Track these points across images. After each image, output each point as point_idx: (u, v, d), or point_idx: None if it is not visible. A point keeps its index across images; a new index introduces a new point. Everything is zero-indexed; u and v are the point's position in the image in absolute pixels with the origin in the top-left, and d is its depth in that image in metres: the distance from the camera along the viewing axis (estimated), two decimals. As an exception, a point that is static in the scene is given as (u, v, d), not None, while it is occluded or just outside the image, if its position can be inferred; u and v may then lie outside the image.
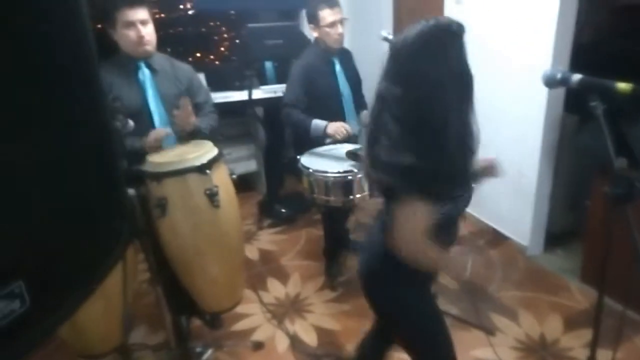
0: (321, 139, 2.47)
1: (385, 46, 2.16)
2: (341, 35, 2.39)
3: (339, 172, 2.12)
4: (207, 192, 1.92)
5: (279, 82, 3.52)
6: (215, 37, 4.85)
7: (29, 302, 0.53)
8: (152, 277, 1.84)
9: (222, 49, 4.81)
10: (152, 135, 2.00)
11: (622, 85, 1.01)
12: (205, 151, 1.95)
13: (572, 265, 2.74)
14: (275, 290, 2.80)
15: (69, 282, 0.59)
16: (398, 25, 3.83)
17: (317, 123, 2.46)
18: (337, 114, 2.54)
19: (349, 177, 2.11)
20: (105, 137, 0.72)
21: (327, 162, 2.23)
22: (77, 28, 0.66)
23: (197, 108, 2.27)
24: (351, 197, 2.15)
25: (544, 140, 2.63)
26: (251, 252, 3.23)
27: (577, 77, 1.07)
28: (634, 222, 1.04)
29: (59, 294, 0.57)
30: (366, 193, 2.16)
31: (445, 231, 1.20)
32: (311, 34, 2.57)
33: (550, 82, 1.08)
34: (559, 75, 1.07)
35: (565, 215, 2.96)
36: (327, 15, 2.35)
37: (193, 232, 1.87)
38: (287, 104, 2.59)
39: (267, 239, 3.45)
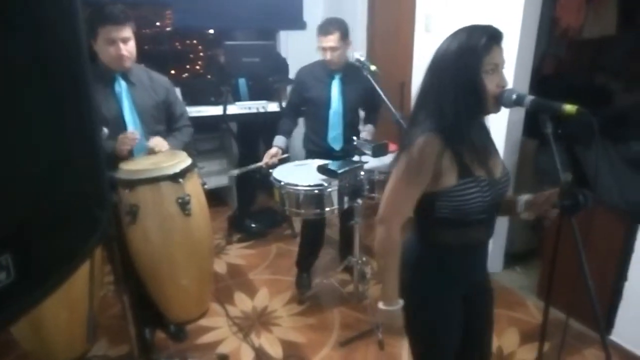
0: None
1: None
2: (332, 58, 2.49)
3: (309, 186, 2.18)
4: (179, 200, 1.95)
5: (252, 98, 3.59)
6: (191, 55, 4.90)
7: (14, 274, 0.56)
8: (119, 287, 1.83)
9: (197, 66, 4.86)
10: (123, 137, 1.99)
11: (568, 107, 1.12)
12: (179, 160, 1.98)
13: (529, 282, 2.88)
14: (242, 303, 2.80)
15: (53, 260, 0.62)
16: (371, 49, 4.00)
17: (275, 139, 2.69)
18: (323, 123, 2.66)
19: (320, 191, 2.18)
20: (88, 117, 0.76)
21: (299, 175, 2.29)
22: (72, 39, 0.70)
23: (173, 120, 2.30)
24: (321, 210, 2.21)
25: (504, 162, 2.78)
26: (219, 266, 3.23)
27: (529, 98, 1.18)
28: (579, 235, 1.13)
29: (43, 270, 0.60)
30: (336, 207, 2.22)
31: (456, 231, 1.25)
32: None
33: (507, 102, 1.18)
34: (514, 96, 1.17)
35: (526, 234, 3.11)
36: (320, 40, 2.50)
37: (164, 239, 1.89)
38: (283, 110, 2.88)
39: (236, 253, 3.45)
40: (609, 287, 2.30)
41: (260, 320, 2.64)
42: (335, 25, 2.45)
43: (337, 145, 2.68)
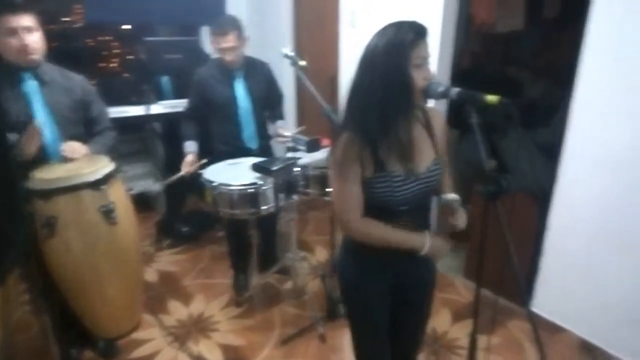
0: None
1: (287, 62, 2.30)
2: (232, 58, 2.43)
3: (243, 185, 2.14)
4: (102, 208, 1.82)
5: (177, 97, 3.44)
6: (106, 52, 4.59)
7: None
8: (37, 305, 1.67)
9: (114, 64, 4.56)
10: (26, 135, 1.78)
11: (490, 97, 1.19)
12: (100, 166, 1.85)
13: (457, 264, 3.05)
14: (177, 311, 2.68)
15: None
16: (298, 44, 3.99)
17: (185, 146, 2.64)
18: (234, 124, 2.58)
19: (255, 189, 2.14)
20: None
21: (232, 175, 2.23)
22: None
23: (92, 123, 2.13)
24: (257, 209, 2.17)
25: (429, 153, 2.92)
26: (150, 274, 3.07)
27: (455, 89, 1.24)
28: (504, 217, 1.21)
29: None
30: (272, 205, 2.20)
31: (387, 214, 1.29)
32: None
33: (434, 94, 1.23)
34: (440, 89, 1.23)
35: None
36: (217, 41, 2.42)
37: (88, 251, 1.75)
38: (184, 114, 2.73)
39: (167, 259, 3.30)
40: (528, 263, 2.50)
41: (197, 327, 2.55)
42: (230, 25, 2.38)
43: (253, 144, 2.64)
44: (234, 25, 2.40)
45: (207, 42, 3.97)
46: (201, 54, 3.64)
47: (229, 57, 2.43)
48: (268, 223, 2.76)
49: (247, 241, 2.81)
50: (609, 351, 2.27)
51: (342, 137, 1.23)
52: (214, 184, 2.17)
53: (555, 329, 2.44)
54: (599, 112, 2.11)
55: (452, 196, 1.37)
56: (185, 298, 2.81)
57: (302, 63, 2.27)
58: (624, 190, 2.08)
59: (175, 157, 3.54)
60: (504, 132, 2.36)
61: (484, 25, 3.26)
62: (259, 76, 2.57)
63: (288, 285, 2.88)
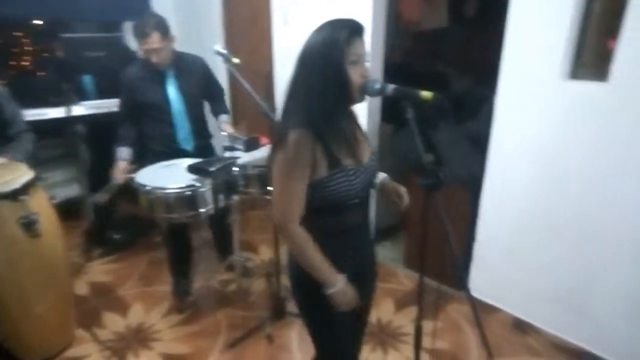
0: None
1: (219, 59, 2.24)
2: (159, 59, 2.33)
3: (180, 188, 2.05)
4: (23, 220, 1.67)
5: (101, 97, 3.23)
6: (15, 49, 4.19)
7: None
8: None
9: (25, 62, 4.18)
10: None
11: (425, 93, 1.23)
12: (18, 175, 1.69)
13: (397, 254, 3.15)
14: (114, 324, 2.53)
15: None
16: (230, 42, 3.90)
17: (117, 152, 2.50)
18: (167, 126, 2.47)
19: (193, 192, 2.06)
20: None
21: (167, 177, 2.13)
22: None
23: (5, 126, 1.94)
24: (196, 211, 2.10)
25: (366, 147, 2.99)
26: (80, 287, 2.87)
27: (392, 86, 1.27)
28: (442, 208, 1.26)
29: None
30: (211, 206, 2.13)
31: (334, 217, 1.29)
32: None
33: (371, 91, 1.25)
34: (377, 86, 1.25)
35: (390, 211, 3.38)
36: (140, 43, 2.30)
37: (8, 268, 1.60)
38: (117, 117, 2.56)
39: (99, 270, 3.10)
40: (463, 249, 2.64)
41: (137, 338, 2.42)
42: (152, 25, 2.25)
43: (188, 146, 2.54)
44: (156, 25, 2.26)
45: (132, 38, 3.78)
46: (126, 51, 3.45)
47: (154, 59, 2.31)
48: (220, 221, 2.69)
49: (187, 244, 2.71)
50: (539, 326, 2.45)
51: (293, 134, 1.18)
52: (147, 187, 2.06)
53: (490, 310, 2.60)
54: (521, 104, 2.26)
55: (382, 176, 1.45)
56: (122, 309, 2.66)
57: (236, 60, 2.22)
58: (546, 176, 2.25)
59: (102, 161, 3.34)
60: (436, 126, 2.46)
61: (411, 22, 3.38)
62: (192, 73, 2.46)
63: (232, 287, 2.82)
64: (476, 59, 3.09)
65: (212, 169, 2.05)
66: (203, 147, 2.60)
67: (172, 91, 2.43)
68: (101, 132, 3.29)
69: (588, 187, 2.12)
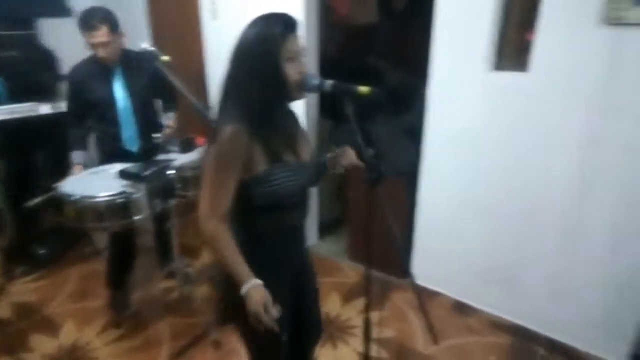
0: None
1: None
2: (105, 54, 2.18)
3: (111, 195, 1.92)
4: None
5: (15, 101, 2.94)
6: None
7: None
8: None
9: None
10: None
11: (363, 89, 1.24)
12: None
13: (341, 248, 3.18)
14: (43, 346, 2.34)
15: None
16: (157, 38, 3.71)
17: (71, 156, 2.34)
18: (111, 123, 2.33)
19: (125, 199, 1.94)
20: None
21: (96, 185, 1.99)
22: None
23: None
24: (130, 219, 1.97)
25: (305, 143, 2.98)
26: (2, 309, 2.62)
27: (329, 82, 1.26)
28: (384, 199, 1.28)
29: None
30: (147, 212, 2.02)
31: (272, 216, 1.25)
32: None
33: (309, 87, 1.24)
34: (315, 82, 1.23)
35: (332, 206, 3.40)
36: (85, 36, 2.15)
37: None
38: (66, 120, 2.42)
39: (23, 289, 2.85)
40: (405, 238, 2.71)
41: (71, 358, 2.25)
42: (99, 18, 2.12)
43: (133, 147, 2.40)
44: (105, 18, 2.12)
45: (48, 36, 3.48)
46: (42, 51, 3.17)
47: (101, 53, 2.16)
48: (158, 227, 2.57)
49: (131, 252, 2.55)
50: (477, 306, 2.58)
51: (227, 129, 1.15)
52: (73, 197, 1.91)
53: (433, 295, 2.70)
54: (450, 96, 2.36)
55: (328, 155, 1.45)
56: (52, 329, 2.46)
57: (165, 58, 2.11)
58: (476, 162, 2.37)
59: (20, 171, 3.07)
60: (374, 120, 2.50)
61: (343, 17, 3.40)
62: (142, 72, 2.31)
63: (174, 294, 2.70)
64: (407, 52, 3.17)
65: (145, 173, 1.94)
66: (150, 148, 2.45)
67: (119, 89, 2.28)
68: (19, 140, 3.02)
69: (514, 171, 2.25)
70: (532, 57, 2.06)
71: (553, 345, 2.30)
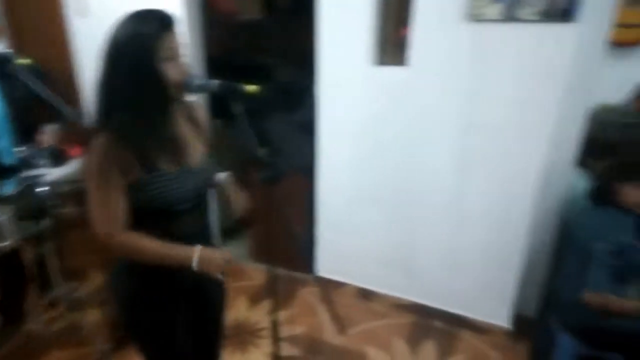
0: None
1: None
2: None
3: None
4: None
5: None
6: None
7: None
8: None
9: None
10: None
11: (250, 87, 1.20)
12: None
13: (244, 251, 3.11)
14: None
15: None
16: (19, 40, 3.26)
17: None
18: None
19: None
20: None
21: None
22: None
23: None
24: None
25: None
26: None
27: (215, 82, 1.20)
28: (284, 197, 1.26)
29: None
30: (17, 236, 1.77)
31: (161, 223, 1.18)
32: None
33: (192, 88, 1.17)
34: (198, 82, 1.17)
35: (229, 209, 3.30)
36: None
37: None
38: None
39: None
40: (307, 233, 2.73)
41: None
42: None
43: (8, 159, 2.09)
44: None
45: None
46: None
47: None
48: (33, 251, 2.24)
49: (22, 280, 2.21)
50: (382, 292, 2.70)
51: (96, 140, 1.07)
52: None
53: (338, 285, 2.77)
54: (339, 91, 2.42)
55: (222, 176, 1.39)
56: None
57: (24, 61, 1.86)
58: (366, 152, 2.47)
59: None
60: (268, 118, 2.47)
61: (227, 13, 3.31)
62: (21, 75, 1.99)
63: (61, 324, 2.41)
64: (295, 48, 3.19)
65: (8, 193, 1.70)
66: (29, 162, 2.13)
67: None
68: None
69: (402, 158, 2.39)
70: (410, 52, 2.19)
71: (449, 318, 2.49)
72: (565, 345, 1.79)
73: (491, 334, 2.38)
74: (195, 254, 1.15)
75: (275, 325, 1.41)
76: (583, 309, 1.69)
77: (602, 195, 1.76)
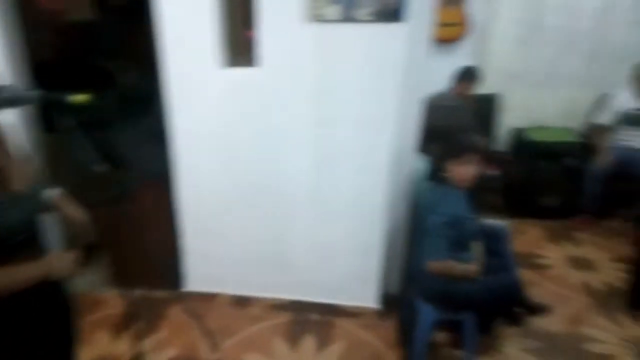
0: None
1: None
2: None
3: None
4: None
5: None
6: None
7: None
8: None
9: None
10: None
11: (78, 97, 1.06)
12: None
13: (100, 278, 2.77)
14: None
15: None
16: None
17: None
18: None
19: None
20: None
21: None
22: None
23: None
24: None
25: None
26: None
27: (34, 93, 1.03)
28: (140, 216, 1.15)
29: None
30: None
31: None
32: None
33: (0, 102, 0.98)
34: (6, 94, 0.98)
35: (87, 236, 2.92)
36: None
37: None
38: None
39: None
40: (173, 247, 2.55)
41: None
42: None
43: None
44: None
45: None
46: None
47: None
48: None
49: None
50: (258, 295, 2.66)
51: None
52: None
53: (211, 297, 2.66)
54: (189, 94, 2.31)
55: (52, 193, 1.26)
56: None
57: None
58: (225, 155, 2.41)
59: None
60: (111, 128, 2.23)
61: (54, 13, 2.91)
62: None
63: None
64: (137, 51, 2.94)
65: None
66: None
67: None
68: None
69: (261, 157, 2.38)
70: (260, 53, 2.18)
71: (324, 308, 2.57)
72: (425, 313, 1.99)
73: (363, 317, 2.52)
74: (45, 267, 1.12)
75: (140, 356, 1.28)
76: (432, 277, 1.90)
77: (437, 175, 1.99)
